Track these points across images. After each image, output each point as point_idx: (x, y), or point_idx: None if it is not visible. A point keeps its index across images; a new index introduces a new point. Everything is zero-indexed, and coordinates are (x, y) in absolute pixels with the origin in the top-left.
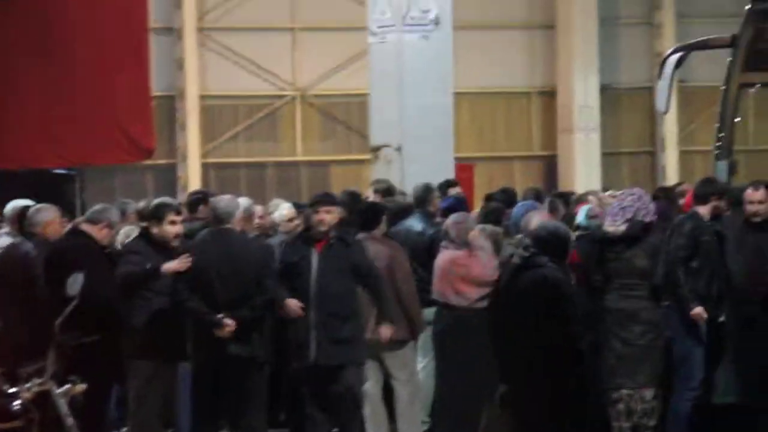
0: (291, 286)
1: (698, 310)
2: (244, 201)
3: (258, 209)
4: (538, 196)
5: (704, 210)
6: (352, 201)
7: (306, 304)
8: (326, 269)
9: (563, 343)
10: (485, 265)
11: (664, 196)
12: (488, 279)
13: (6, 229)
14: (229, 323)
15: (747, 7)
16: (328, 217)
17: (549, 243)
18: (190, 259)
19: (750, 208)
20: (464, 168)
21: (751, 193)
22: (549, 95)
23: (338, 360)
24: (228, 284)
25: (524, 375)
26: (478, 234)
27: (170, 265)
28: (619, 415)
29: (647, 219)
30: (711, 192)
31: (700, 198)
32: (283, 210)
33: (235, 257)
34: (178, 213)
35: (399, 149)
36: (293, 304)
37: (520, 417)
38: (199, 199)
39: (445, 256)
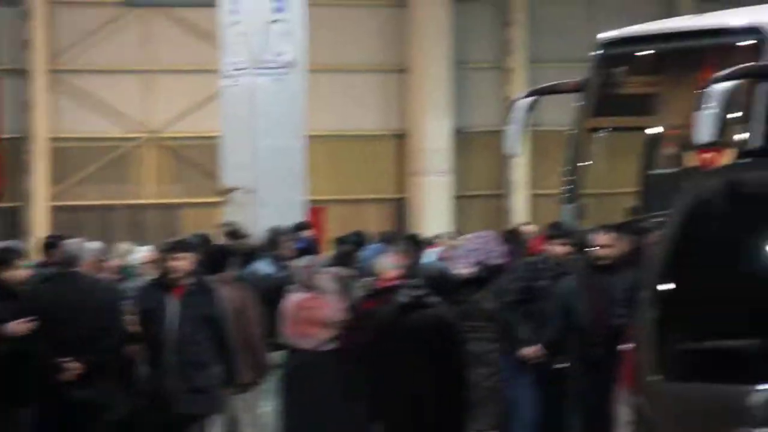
0: (147, 332)
1: (527, 351)
2: (93, 245)
3: (111, 252)
4: (389, 239)
5: (552, 252)
6: (202, 244)
7: (162, 351)
8: (186, 316)
9: (455, 381)
10: (333, 307)
11: (513, 239)
12: (336, 321)
13: None
14: (74, 367)
15: (594, 53)
16: (183, 263)
17: (440, 283)
18: (33, 323)
19: (597, 251)
20: (317, 211)
21: (598, 237)
22: (401, 138)
23: (195, 409)
24: (74, 327)
25: (411, 412)
26: (325, 277)
27: (14, 328)
28: None
29: (496, 262)
30: (557, 235)
31: (548, 240)
32: (139, 254)
33: (82, 300)
34: (22, 257)
35: (251, 192)
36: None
37: None
38: (52, 242)
39: (293, 299)
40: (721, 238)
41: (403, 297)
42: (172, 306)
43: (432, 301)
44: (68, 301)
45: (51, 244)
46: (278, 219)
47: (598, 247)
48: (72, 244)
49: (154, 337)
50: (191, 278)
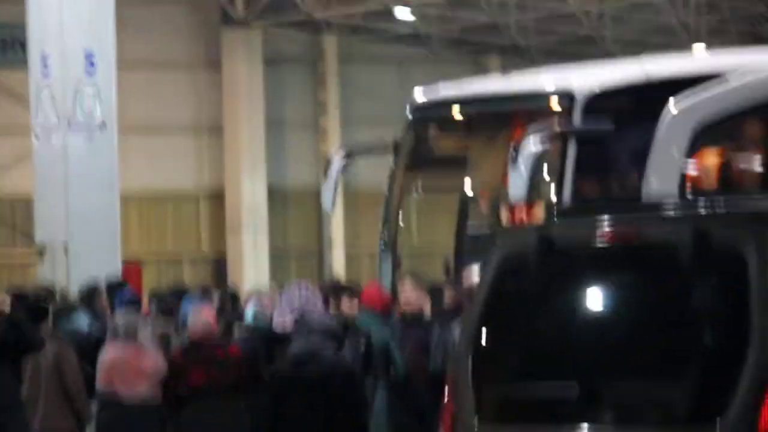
0: None
1: None
2: None
3: None
4: (206, 292)
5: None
6: (18, 300)
7: None
8: None
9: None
10: (154, 359)
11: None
12: (157, 373)
13: None
14: None
15: (407, 114)
16: None
17: (334, 334)
18: None
19: (405, 303)
20: (131, 269)
21: (405, 288)
22: (217, 197)
23: None
24: None
25: None
26: (146, 331)
27: None
28: None
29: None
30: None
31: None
32: None
33: None
34: None
35: (65, 249)
36: None
37: None
38: None
39: (112, 351)
40: (532, 290)
41: (295, 349)
42: None
43: (327, 351)
44: None
45: None
46: (93, 275)
47: (403, 294)
48: None
49: None
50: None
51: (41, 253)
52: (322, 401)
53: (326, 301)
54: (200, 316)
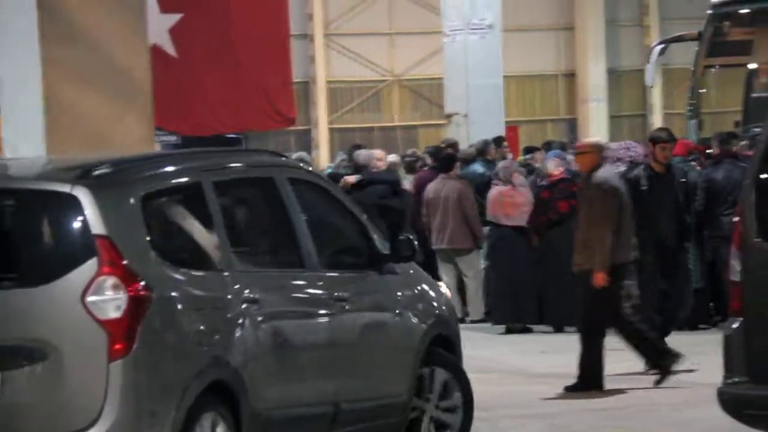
0: None
1: None
2: (377, 152)
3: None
4: (561, 147)
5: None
6: (435, 153)
7: None
8: None
9: None
10: (525, 196)
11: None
12: (527, 206)
13: None
14: None
15: (708, 11)
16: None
17: None
18: None
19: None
20: (511, 129)
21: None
22: (571, 76)
23: None
24: None
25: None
26: (519, 174)
27: None
28: None
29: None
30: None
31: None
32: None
33: None
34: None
35: (465, 116)
36: None
37: None
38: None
39: (497, 189)
40: None
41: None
42: None
43: None
44: None
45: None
46: (485, 135)
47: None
48: (362, 152)
49: None
50: None
51: (449, 119)
52: None
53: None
54: (551, 163)
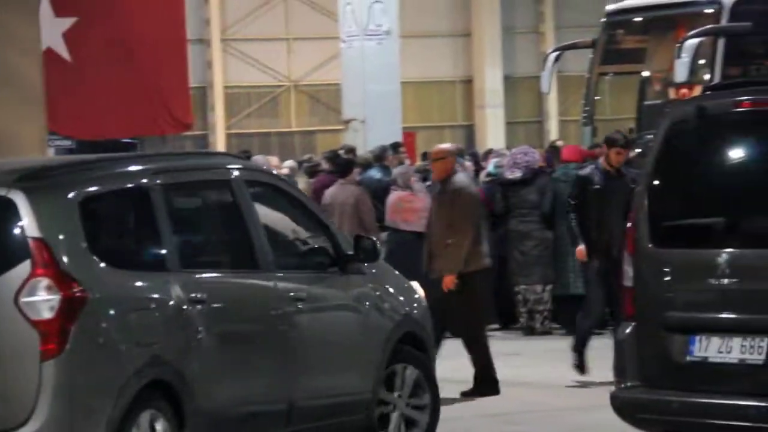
0: None
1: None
2: (272, 159)
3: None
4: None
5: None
6: (333, 158)
7: None
8: None
9: None
10: (423, 201)
11: (551, 151)
12: (424, 211)
13: None
14: None
15: (602, 20)
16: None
17: None
18: None
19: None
20: (408, 136)
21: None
22: (468, 83)
23: None
24: None
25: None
26: (416, 179)
27: None
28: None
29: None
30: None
31: None
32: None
33: None
34: None
35: (362, 122)
36: None
37: None
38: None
39: (396, 194)
40: (691, 146)
41: None
42: None
43: None
44: None
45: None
46: (382, 140)
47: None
48: (258, 158)
49: None
50: None
51: (347, 124)
52: None
53: (549, 158)
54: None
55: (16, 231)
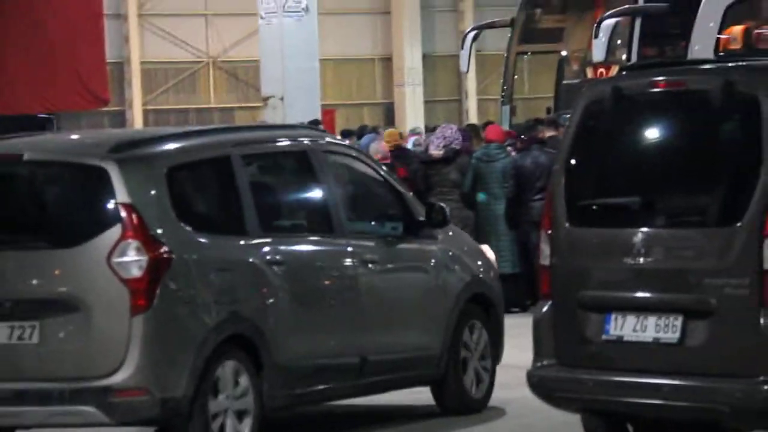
0: None
1: None
2: None
3: None
4: (378, 131)
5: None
6: None
7: None
8: None
9: None
10: None
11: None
12: None
13: None
14: None
15: None
16: None
17: None
18: None
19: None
20: (328, 113)
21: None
22: (387, 60)
23: None
24: None
25: None
26: None
27: None
28: None
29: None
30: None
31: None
32: None
33: None
34: None
35: (281, 99)
36: None
37: None
38: None
39: None
40: (606, 125)
41: None
42: None
43: None
44: None
45: None
46: (301, 118)
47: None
48: None
49: None
50: None
51: (266, 101)
52: None
53: (466, 137)
54: (378, 146)
55: (109, 198)
